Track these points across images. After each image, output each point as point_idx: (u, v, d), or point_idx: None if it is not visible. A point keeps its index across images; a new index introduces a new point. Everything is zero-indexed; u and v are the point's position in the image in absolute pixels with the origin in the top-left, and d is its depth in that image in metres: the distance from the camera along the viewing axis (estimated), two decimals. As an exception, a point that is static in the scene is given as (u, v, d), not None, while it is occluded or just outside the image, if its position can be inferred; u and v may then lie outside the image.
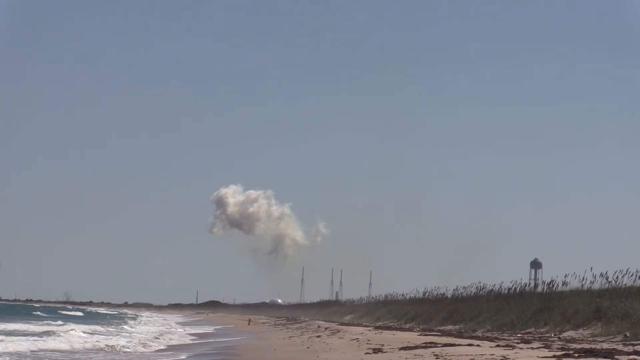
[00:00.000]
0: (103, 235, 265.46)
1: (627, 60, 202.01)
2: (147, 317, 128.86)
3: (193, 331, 68.62)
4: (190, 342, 50.23)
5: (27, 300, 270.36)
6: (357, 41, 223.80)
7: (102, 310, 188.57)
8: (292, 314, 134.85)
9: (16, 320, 76.48)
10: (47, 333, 50.05)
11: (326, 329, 56.95)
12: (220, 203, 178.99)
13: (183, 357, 34.81)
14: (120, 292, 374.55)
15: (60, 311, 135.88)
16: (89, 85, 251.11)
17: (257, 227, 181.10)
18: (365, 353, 30.44)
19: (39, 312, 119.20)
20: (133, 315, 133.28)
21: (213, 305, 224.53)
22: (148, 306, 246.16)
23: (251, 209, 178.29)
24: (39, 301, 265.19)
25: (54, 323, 70.61)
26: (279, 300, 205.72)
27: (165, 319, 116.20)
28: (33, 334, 49.19)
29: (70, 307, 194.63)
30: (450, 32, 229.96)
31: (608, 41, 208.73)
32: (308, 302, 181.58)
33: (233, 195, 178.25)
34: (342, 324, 71.50)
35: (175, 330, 71.30)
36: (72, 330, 54.38)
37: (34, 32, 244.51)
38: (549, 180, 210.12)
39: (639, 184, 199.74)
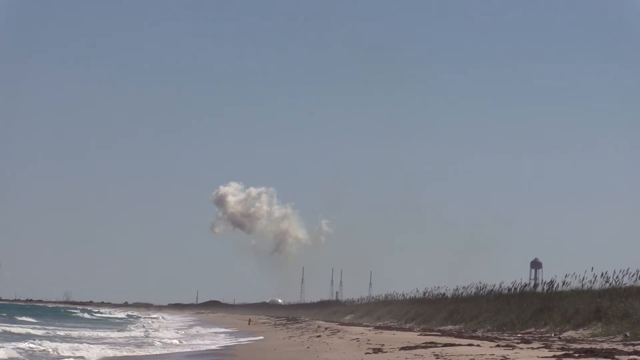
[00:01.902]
0: (103, 235, 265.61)
1: (627, 60, 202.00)
2: (170, 318, 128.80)
3: (217, 330, 69.31)
4: (232, 339, 51.82)
5: (27, 300, 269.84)
6: (357, 41, 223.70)
7: (107, 309, 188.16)
8: (292, 314, 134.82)
9: (91, 326, 76.42)
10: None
11: (326, 328, 56.92)
12: (221, 202, 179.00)
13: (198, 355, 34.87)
14: (120, 292, 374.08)
15: (95, 313, 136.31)
16: (89, 85, 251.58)
17: (258, 226, 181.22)
18: (366, 353, 30.44)
19: (86, 315, 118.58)
20: (155, 317, 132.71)
21: (213, 305, 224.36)
22: (148, 306, 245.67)
23: (252, 209, 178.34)
24: (39, 301, 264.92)
25: (136, 328, 70.00)
26: (279, 300, 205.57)
27: (183, 320, 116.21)
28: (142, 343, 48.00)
29: (113, 310, 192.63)
30: (450, 32, 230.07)
31: (608, 41, 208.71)
32: (308, 302, 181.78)
33: (234, 193, 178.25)
34: (342, 323, 71.47)
35: (205, 329, 72.27)
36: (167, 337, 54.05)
37: (34, 32, 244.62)
38: (549, 180, 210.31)
39: (639, 184, 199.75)
